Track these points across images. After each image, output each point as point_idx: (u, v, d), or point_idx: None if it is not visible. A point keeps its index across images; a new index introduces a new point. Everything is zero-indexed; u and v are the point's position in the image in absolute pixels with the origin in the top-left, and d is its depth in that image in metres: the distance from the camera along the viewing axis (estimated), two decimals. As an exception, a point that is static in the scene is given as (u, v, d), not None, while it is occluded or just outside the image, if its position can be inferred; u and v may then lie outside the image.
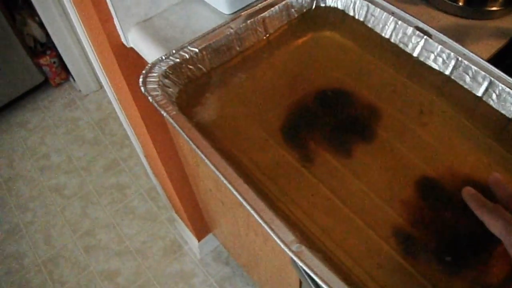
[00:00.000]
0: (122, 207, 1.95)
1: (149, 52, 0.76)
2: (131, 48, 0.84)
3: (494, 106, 0.61)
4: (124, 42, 0.83)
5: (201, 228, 1.65)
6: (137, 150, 1.44)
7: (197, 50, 0.65)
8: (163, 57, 0.64)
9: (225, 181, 0.50)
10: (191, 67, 0.65)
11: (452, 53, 0.63)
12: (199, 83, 0.66)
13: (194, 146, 0.52)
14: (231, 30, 0.67)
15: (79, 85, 2.34)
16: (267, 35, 0.71)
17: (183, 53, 0.64)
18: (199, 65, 0.66)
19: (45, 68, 2.30)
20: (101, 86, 2.40)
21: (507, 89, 0.59)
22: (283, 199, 0.55)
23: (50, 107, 2.38)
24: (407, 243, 0.51)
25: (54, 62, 2.29)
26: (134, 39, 0.80)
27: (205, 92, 0.66)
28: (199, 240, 1.69)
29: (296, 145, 0.60)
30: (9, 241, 1.93)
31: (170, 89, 0.62)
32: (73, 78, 2.33)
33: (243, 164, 0.58)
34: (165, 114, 0.56)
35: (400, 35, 0.69)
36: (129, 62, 0.91)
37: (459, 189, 0.52)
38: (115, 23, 0.79)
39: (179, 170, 1.29)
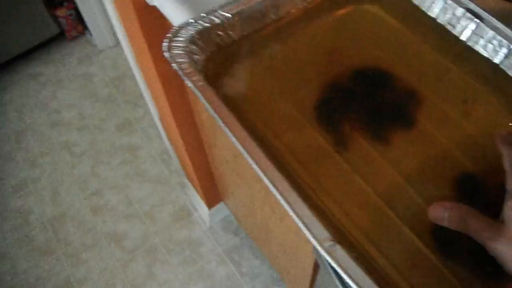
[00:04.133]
0: (133, 169, 1.92)
1: (173, 12, 0.71)
2: (154, 7, 0.79)
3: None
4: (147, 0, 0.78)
5: (212, 196, 1.62)
6: (152, 111, 1.40)
7: (229, 15, 0.59)
8: (191, 21, 0.58)
9: (261, 174, 0.45)
10: (220, 33, 0.60)
11: (504, 40, 0.58)
12: (228, 52, 0.61)
13: (221, 124, 0.48)
14: (267, -4, 0.62)
15: (95, 40, 2.30)
16: (305, 4, 0.66)
17: (213, 18, 0.59)
18: (229, 32, 0.60)
19: (61, 20, 2.25)
20: (118, 42, 2.34)
21: None
22: (314, 185, 0.50)
23: (64, 61, 2.34)
24: (444, 246, 0.47)
25: (71, 15, 2.24)
26: (158, -3, 0.74)
27: (234, 62, 0.61)
28: (209, 208, 1.66)
29: (330, 127, 0.55)
30: (15, 196, 1.91)
31: (197, 56, 0.57)
32: (89, 32, 2.28)
33: (271, 144, 0.53)
34: (190, 85, 0.52)
35: (448, 15, 0.63)
36: (151, 21, 0.86)
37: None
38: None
39: (194, 136, 1.25)
